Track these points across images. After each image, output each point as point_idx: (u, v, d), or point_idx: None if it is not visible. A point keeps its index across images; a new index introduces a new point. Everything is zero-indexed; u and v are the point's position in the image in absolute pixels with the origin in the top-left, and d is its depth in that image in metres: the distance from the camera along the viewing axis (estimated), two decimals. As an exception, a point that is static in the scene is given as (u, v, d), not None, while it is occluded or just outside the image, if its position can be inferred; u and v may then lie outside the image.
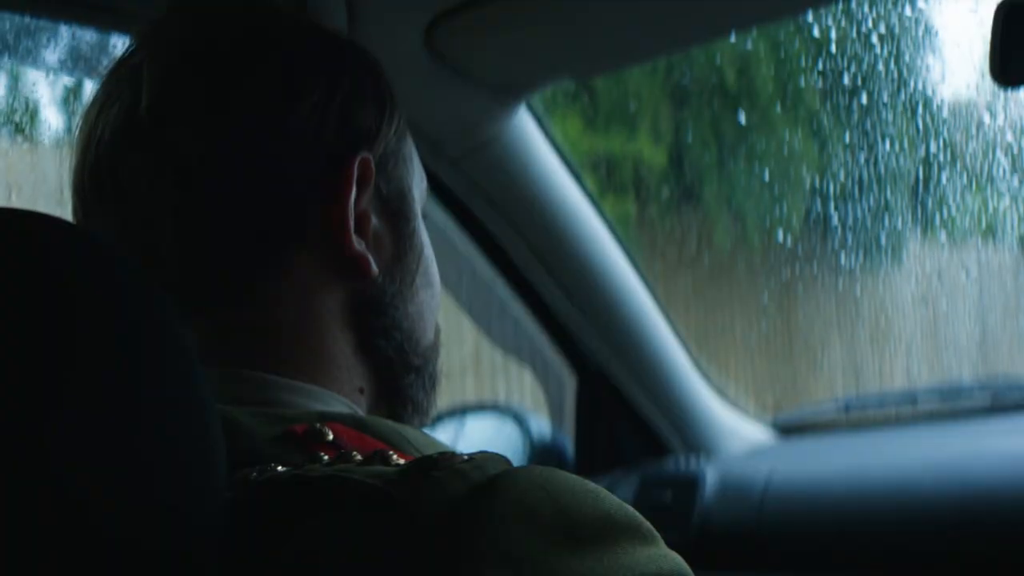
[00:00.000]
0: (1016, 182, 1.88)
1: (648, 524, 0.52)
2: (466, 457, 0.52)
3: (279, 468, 0.55)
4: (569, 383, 1.57)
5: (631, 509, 0.52)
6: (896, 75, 2.08)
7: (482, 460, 0.52)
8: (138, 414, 0.47)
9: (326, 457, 0.58)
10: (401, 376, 0.72)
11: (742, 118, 3.53)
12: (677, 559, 0.52)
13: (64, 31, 1.18)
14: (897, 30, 2.03)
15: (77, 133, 0.69)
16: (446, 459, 0.51)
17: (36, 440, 0.44)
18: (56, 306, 0.46)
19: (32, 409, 0.44)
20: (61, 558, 0.45)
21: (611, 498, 0.52)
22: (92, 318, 0.47)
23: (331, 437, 0.60)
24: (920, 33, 2.05)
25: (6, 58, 1.29)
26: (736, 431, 1.57)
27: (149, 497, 0.47)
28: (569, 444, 1.59)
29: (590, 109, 3.51)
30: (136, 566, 0.47)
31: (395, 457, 0.59)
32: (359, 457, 0.59)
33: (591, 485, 0.52)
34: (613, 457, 1.55)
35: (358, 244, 0.67)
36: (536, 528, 0.48)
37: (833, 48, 2.07)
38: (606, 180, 3.57)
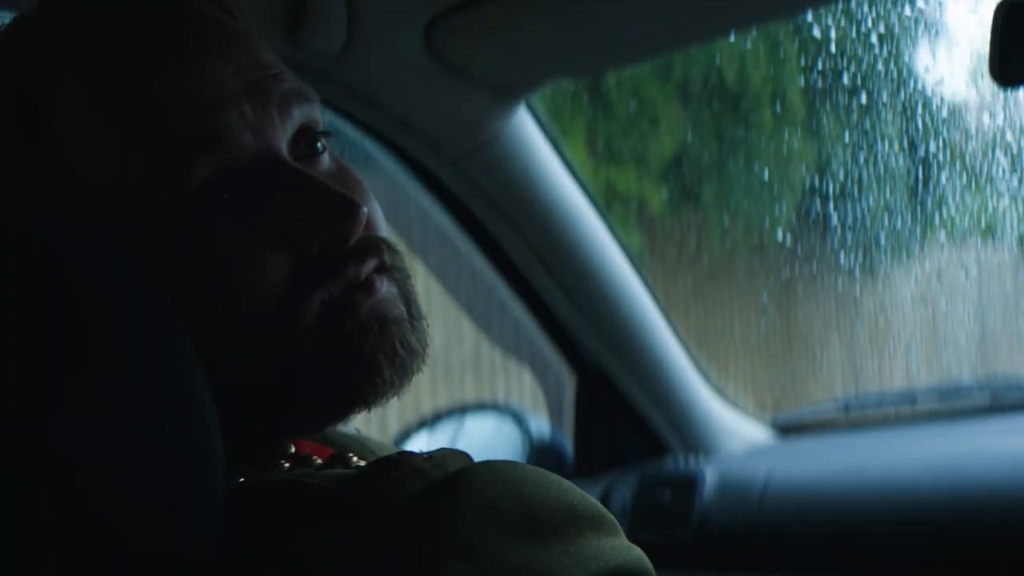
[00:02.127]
0: (1015, 182, 1.88)
1: (611, 516, 0.51)
2: (426, 456, 0.52)
3: (240, 479, 0.55)
4: (568, 383, 1.57)
5: (594, 500, 0.51)
6: (895, 75, 2.08)
7: (442, 458, 0.52)
8: (138, 414, 0.47)
9: (287, 465, 0.58)
10: None
11: (743, 126, 3.52)
12: (640, 552, 0.51)
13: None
14: (897, 30, 2.03)
15: None
16: (405, 459, 0.51)
17: (37, 440, 0.44)
18: (57, 306, 0.46)
19: (33, 409, 0.44)
20: (61, 558, 0.45)
21: (574, 489, 0.51)
22: (92, 318, 0.47)
23: (292, 450, 0.60)
24: (920, 33, 2.05)
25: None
26: (735, 431, 1.56)
27: (149, 497, 0.47)
28: (568, 444, 1.59)
29: (589, 109, 3.51)
30: (136, 566, 0.47)
31: (355, 459, 0.59)
32: (319, 461, 0.59)
33: (553, 477, 0.51)
34: (612, 457, 1.54)
35: None
36: (499, 522, 0.47)
37: (833, 48, 2.06)
38: (605, 185, 3.57)
